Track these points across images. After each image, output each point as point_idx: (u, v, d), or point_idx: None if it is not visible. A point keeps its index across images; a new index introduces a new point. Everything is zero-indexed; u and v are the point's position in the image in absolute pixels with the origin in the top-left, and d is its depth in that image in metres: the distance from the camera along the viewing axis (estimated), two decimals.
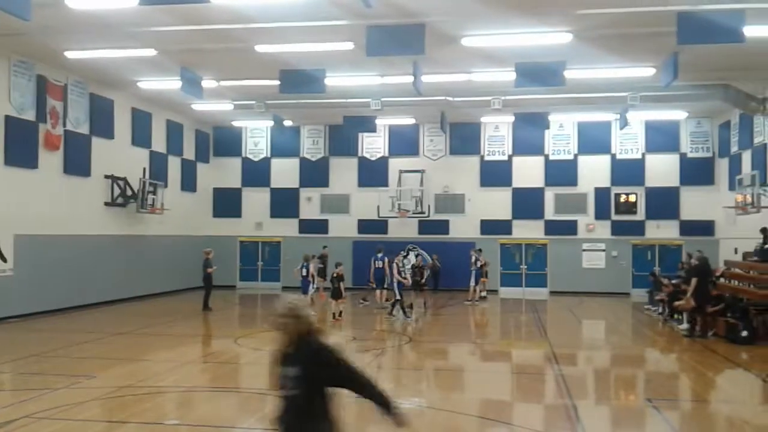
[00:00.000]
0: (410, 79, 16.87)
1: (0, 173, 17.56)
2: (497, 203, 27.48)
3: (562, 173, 27.09)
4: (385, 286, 20.92)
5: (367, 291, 22.74)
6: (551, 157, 27.30)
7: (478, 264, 23.13)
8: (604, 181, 26.92)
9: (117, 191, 22.47)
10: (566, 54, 16.16)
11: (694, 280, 15.89)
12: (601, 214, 26.88)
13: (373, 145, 28.58)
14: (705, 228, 25.82)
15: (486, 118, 26.59)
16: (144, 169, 23.88)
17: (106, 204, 22.10)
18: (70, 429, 8.16)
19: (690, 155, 26.35)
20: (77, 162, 20.57)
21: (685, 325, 17.17)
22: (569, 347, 15.12)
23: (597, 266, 26.86)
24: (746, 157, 22.44)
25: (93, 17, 14.45)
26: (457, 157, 27.93)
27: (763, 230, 18.42)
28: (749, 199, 20.31)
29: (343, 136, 27.78)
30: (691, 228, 26.02)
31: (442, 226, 27.80)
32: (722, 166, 25.27)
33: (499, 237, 27.31)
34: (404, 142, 28.33)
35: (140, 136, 24.15)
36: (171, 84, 19.91)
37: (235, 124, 28.74)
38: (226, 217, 29.55)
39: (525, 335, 17.54)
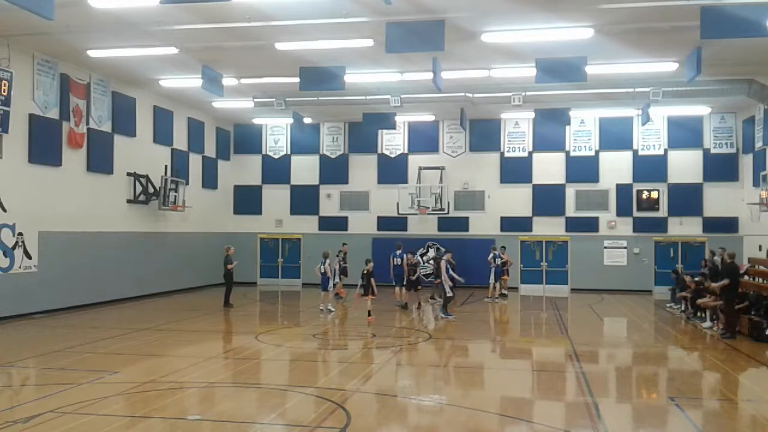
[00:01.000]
0: (430, 75, 16.86)
1: (24, 171, 17.80)
2: (517, 200, 27.35)
3: (583, 169, 26.88)
4: (404, 283, 20.91)
5: (435, 289, 22.73)
6: (572, 154, 27.10)
7: (498, 261, 23.03)
8: (626, 178, 26.68)
9: (139, 189, 22.67)
10: (587, 49, 16.03)
11: (726, 281, 15.64)
12: (623, 210, 26.64)
13: (393, 141, 28.56)
14: (728, 225, 25.50)
15: (506, 115, 26.46)
16: (166, 166, 24.08)
17: (129, 201, 22.32)
18: (93, 424, 8.25)
19: (713, 151, 26.02)
20: (100, 160, 20.79)
21: (708, 323, 17.01)
22: (590, 345, 15.02)
23: (618, 263, 26.64)
24: None
25: (115, 16, 14.59)
26: (477, 153, 27.82)
27: None
28: None
29: (362, 133, 27.79)
30: (715, 225, 25.71)
31: (462, 223, 27.73)
32: (746, 162, 24.93)
33: (519, 234, 27.17)
34: (424, 139, 28.27)
35: (162, 133, 24.34)
36: (192, 82, 20.05)
37: (256, 121, 28.87)
38: (246, 214, 29.72)
39: (545, 332, 17.45)
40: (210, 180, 28.12)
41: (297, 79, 17.39)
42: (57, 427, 8.04)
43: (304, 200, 29.24)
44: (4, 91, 16.22)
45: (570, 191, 27.09)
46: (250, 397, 10.02)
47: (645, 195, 26.43)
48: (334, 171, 29.08)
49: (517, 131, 27.48)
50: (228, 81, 19.66)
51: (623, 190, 26.66)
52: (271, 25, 15.00)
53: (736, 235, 25.14)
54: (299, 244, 29.28)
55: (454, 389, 10.91)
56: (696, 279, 19.47)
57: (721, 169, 25.83)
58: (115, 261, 21.37)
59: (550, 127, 25.82)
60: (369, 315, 17.94)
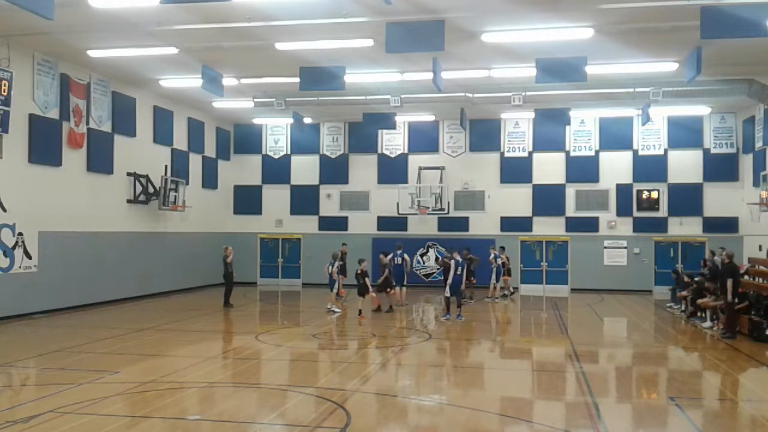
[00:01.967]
0: (430, 75, 16.86)
1: (24, 171, 17.80)
2: (517, 200, 27.35)
3: (583, 169, 26.89)
4: (404, 283, 20.95)
5: (473, 289, 22.64)
6: (572, 154, 27.10)
7: (498, 261, 23.02)
8: (626, 178, 26.68)
9: (139, 189, 22.68)
10: (587, 49, 16.03)
11: (730, 281, 15.62)
12: (623, 210, 26.65)
13: (393, 141, 28.56)
14: (729, 225, 25.50)
15: (506, 115, 26.46)
16: (166, 166, 24.08)
17: (129, 201, 22.32)
18: (93, 423, 8.25)
19: (713, 151, 26.02)
20: (100, 160, 20.79)
21: (708, 323, 17.01)
22: (590, 345, 15.04)
23: (618, 263, 26.64)
24: None
25: (115, 16, 14.59)
26: (477, 153, 27.82)
27: None
28: None
29: (362, 133, 27.81)
30: (715, 225, 25.71)
31: (462, 223, 27.73)
32: (746, 162, 24.93)
33: (519, 234, 27.17)
34: (424, 139, 28.28)
35: (162, 133, 24.35)
36: (192, 82, 20.05)
37: (256, 121, 28.87)
38: (246, 214, 29.73)
39: (545, 332, 17.45)
40: (210, 180, 28.12)
41: (297, 79, 17.38)
42: (57, 427, 8.05)
43: (304, 200, 29.25)
44: (4, 91, 16.22)
45: (570, 191, 27.09)
46: (250, 397, 10.03)
47: (645, 195, 26.43)
48: (334, 171, 29.08)
49: (517, 131, 27.48)
50: (228, 81, 19.66)
51: (623, 190, 26.66)
52: (271, 25, 15.00)
53: (736, 235, 25.14)
54: (299, 244, 29.28)
55: (454, 389, 10.90)
56: (696, 279, 19.46)
57: (721, 169, 25.82)
58: (115, 261, 21.37)
59: (550, 127, 25.84)
60: (359, 314, 18.18)
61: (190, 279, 25.99)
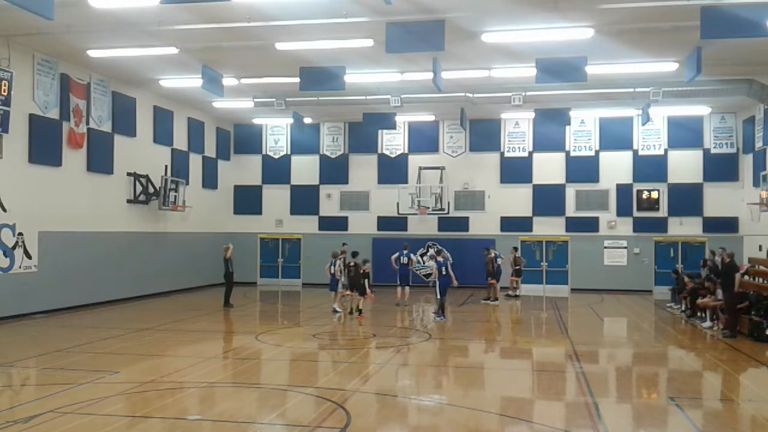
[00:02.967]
0: (430, 75, 16.87)
1: (24, 171, 17.80)
2: (517, 200, 27.35)
3: (583, 169, 26.89)
4: (409, 282, 20.99)
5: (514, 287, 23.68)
6: (572, 154, 27.10)
7: (498, 261, 22.99)
8: (626, 178, 26.68)
9: (139, 189, 22.67)
10: (587, 49, 16.03)
11: (737, 275, 15.69)
12: (623, 210, 26.64)
13: (393, 142, 28.57)
14: (729, 225, 25.50)
15: (506, 115, 26.46)
16: (166, 166, 24.08)
17: (129, 201, 22.32)
18: (94, 424, 8.25)
19: (714, 151, 26.02)
20: (100, 160, 20.79)
21: (708, 323, 17.01)
22: (590, 345, 15.03)
23: (619, 263, 26.64)
24: None
25: (115, 16, 14.60)
26: (477, 153, 27.82)
27: None
28: None
29: (362, 133, 27.81)
30: (715, 225, 25.70)
31: (462, 223, 27.73)
32: (746, 162, 24.93)
33: (519, 234, 27.16)
34: (424, 139, 28.28)
35: (162, 133, 24.35)
36: (192, 82, 20.05)
37: (256, 121, 28.87)
38: (246, 214, 29.73)
39: (545, 332, 17.44)
40: (210, 180, 28.12)
41: (297, 79, 17.39)
42: (57, 427, 8.04)
43: (304, 200, 29.25)
44: (4, 91, 16.22)
45: (570, 191, 27.09)
46: (250, 397, 10.03)
47: (645, 195, 26.43)
48: (334, 171, 29.09)
49: (517, 131, 27.48)
50: (228, 81, 19.66)
51: (623, 190, 26.66)
52: (271, 25, 15.00)
53: (736, 235, 25.13)
54: (299, 244, 29.28)
55: (454, 389, 10.90)
56: (695, 280, 19.43)
57: (721, 169, 25.82)
58: (115, 261, 21.36)
59: (550, 127, 25.84)
60: (360, 314, 18.27)
61: (190, 279, 25.99)
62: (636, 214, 26.55)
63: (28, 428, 8.01)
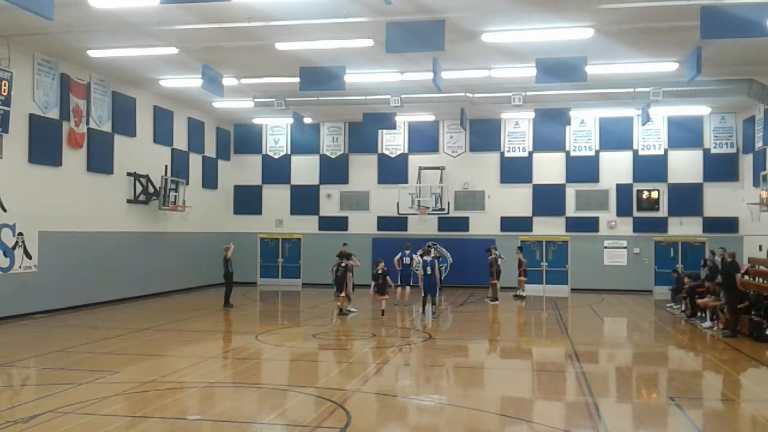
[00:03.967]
0: (430, 75, 16.87)
1: (24, 171, 17.80)
2: (517, 200, 27.35)
3: (583, 169, 26.88)
4: (410, 283, 21.02)
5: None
6: (572, 154, 27.10)
7: (499, 261, 22.98)
8: (626, 178, 26.67)
9: (139, 189, 22.67)
10: (587, 49, 16.04)
11: (738, 276, 15.70)
12: (623, 210, 26.64)
13: (393, 142, 28.57)
14: (729, 225, 25.49)
15: (506, 115, 26.46)
16: (166, 166, 24.08)
17: (129, 201, 22.32)
18: (93, 424, 8.25)
19: (714, 151, 26.01)
20: (100, 160, 20.79)
21: (708, 323, 17.01)
22: (590, 345, 15.03)
23: (619, 263, 26.63)
24: None
25: (115, 16, 14.59)
26: (477, 153, 27.82)
27: None
28: None
29: (362, 133, 27.81)
30: (715, 225, 25.70)
31: (462, 223, 27.73)
32: (746, 162, 24.93)
33: (519, 234, 27.15)
34: (424, 139, 28.28)
35: (162, 133, 24.34)
36: (192, 82, 20.04)
37: (256, 121, 28.87)
38: (246, 214, 29.72)
39: (545, 332, 17.45)
40: (210, 180, 28.12)
41: (297, 79, 17.39)
42: (57, 427, 8.04)
43: (304, 200, 29.25)
44: (4, 91, 16.21)
45: (570, 191, 27.08)
46: (250, 397, 10.02)
47: (645, 195, 26.42)
48: (334, 171, 29.08)
49: (517, 131, 27.48)
50: (228, 81, 19.66)
51: (623, 190, 26.65)
52: (271, 25, 15.00)
53: (736, 235, 25.13)
54: (299, 244, 29.28)
55: (454, 389, 10.90)
56: (695, 281, 19.41)
57: (721, 169, 25.81)
58: (115, 261, 21.36)
59: (550, 127, 25.83)
60: (382, 315, 18.24)
61: (190, 279, 25.99)
62: (636, 214, 26.55)
63: (28, 428, 8.01)
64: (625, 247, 26.63)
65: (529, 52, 16.60)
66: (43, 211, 18.32)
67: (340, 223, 28.66)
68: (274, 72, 19.50)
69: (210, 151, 28.10)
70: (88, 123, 20.21)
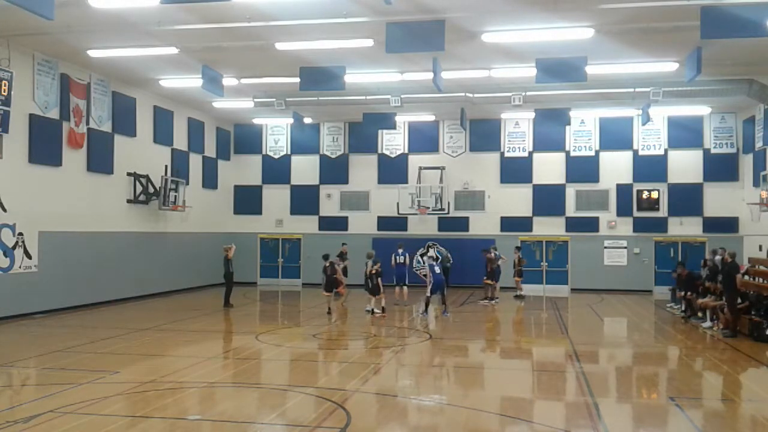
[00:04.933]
0: (430, 75, 16.86)
1: (24, 171, 17.80)
2: (517, 200, 27.35)
3: (583, 169, 26.88)
4: (405, 282, 21.01)
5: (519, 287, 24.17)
6: (572, 154, 27.10)
7: (499, 261, 22.98)
8: (626, 178, 26.68)
9: (139, 189, 22.67)
10: (588, 49, 16.03)
11: (738, 276, 15.71)
12: (623, 210, 26.64)
13: (393, 142, 28.57)
14: (729, 225, 25.49)
15: (506, 115, 26.46)
16: (166, 166, 24.08)
17: (129, 201, 22.32)
18: (94, 424, 8.25)
19: (714, 151, 26.01)
20: (100, 160, 20.79)
21: (708, 323, 17.01)
22: (590, 345, 15.03)
23: (619, 263, 26.64)
24: None
25: (115, 16, 14.60)
26: (477, 153, 27.82)
27: None
28: None
29: (362, 133, 27.81)
30: (715, 225, 25.70)
31: (462, 223, 27.73)
32: (746, 162, 24.93)
33: (519, 234, 27.16)
34: (424, 139, 28.28)
35: (162, 133, 24.34)
36: (192, 82, 20.05)
37: (256, 121, 28.87)
38: (246, 214, 29.73)
39: (545, 332, 17.45)
40: (210, 180, 28.12)
41: (297, 79, 17.39)
42: (57, 427, 8.04)
43: (304, 200, 29.25)
44: (4, 91, 16.21)
45: (570, 191, 27.08)
46: (250, 397, 10.02)
47: (645, 195, 26.42)
48: (334, 171, 29.08)
49: (517, 131, 27.48)
50: (228, 81, 19.65)
51: (623, 190, 26.65)
52: (271, 25, 15.00)
53: (736, 235, 25.13)
54: (299, 244, 29.28)
55: (454, 389, 10.91)
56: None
57: (721, 169, 25.81)
58: (115, 261, 21.36)
59: (550, 127, 25.83)
60: (383, 312, 18.45)
61: (190, 279, 25.99)
62: (636, 214, 26.55)
63: (28, 428, 8.01)
64: (625, 247, 26.63)
65: (529, 52, 16.60)
66: (43, 211, 18.32)
67: (340, 223, 28.66)
68: (274, 72, 19.50)
69: (210, 151, 28.10)
70: (88, 123, 20.21)
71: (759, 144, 23.14)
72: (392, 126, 23.96)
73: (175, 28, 15.38)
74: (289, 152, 29.65)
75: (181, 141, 25.69)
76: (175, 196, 24.02)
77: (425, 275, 20.10)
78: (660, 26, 14.89)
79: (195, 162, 26.77)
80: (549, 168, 27.19)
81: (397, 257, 20.99)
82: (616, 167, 26.72)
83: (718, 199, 25.78)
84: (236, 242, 22.96)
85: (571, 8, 14.00)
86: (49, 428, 8.02)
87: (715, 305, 16.72)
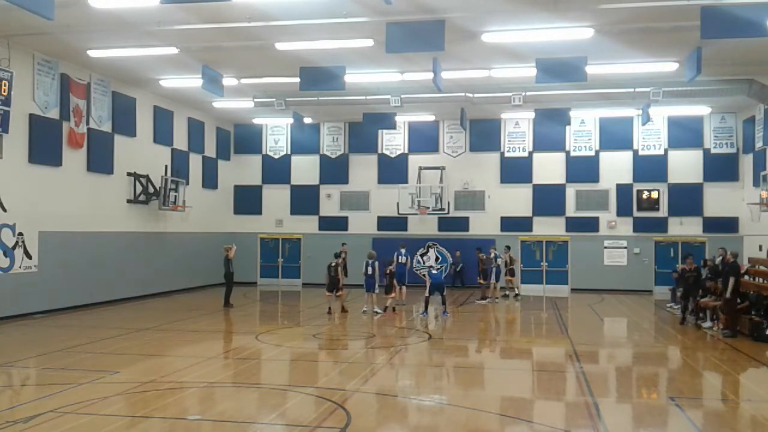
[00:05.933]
0: (430, 75, 16.86)
1: (24, 171, 17.80)
2: (517, 200, 27.35)
3: (583, 169, 26.88)
4: (405, 282, 21.03)
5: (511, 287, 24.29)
6: (572, 154, 27.10)
7: (498, 261, 23.00)
8: (626, 178, 26.68)
9: (139, 189, 22.67)
10: (587, 49, 16.04)
11: (732, 279, 15.68)
12: (623, 210, 26.64)
13: (393, 141, 28.57)
14: (729, 225, 25.49)
15: (506, 115, 26.46)
16: (166, 166, 24.08)
17: (129, 201, 22.32)
18: (94, 424, 8.25)
19: (714, 151, 26.01)
20: (100, 160, 20.79)
21: (708, 323, 17.01)
22: (590, 345, 15.02)
23: (619, 263, 26.64)
24: None
25: (115, 16, 14.60)
26: (477, 153, 27.82)
27: None
28: None
29: (362, 133, 27.81)
30: (715, 225, 25.70)
31: (462, 223, 27.73)
32: (746, 162, 24.93)
33: (519, 234, 27.16)
34: (424, 139, 28.28)
35: (162, 133, 24.34)
36: (192, 82, 20.05)
37: (256, 121, 28.88)
38: (246, 214, 29.73)
39: (545, 332, 17.44)
40: (210, 180, 28.12)
41: (297, 79, 17.39)
42: (57, 427, 8.05)
43: (304, 200, 29.25)
44: (4, 91, 16.21)
45: (570, 191, 27.08)
46: (250, 397, 10.02)
47: (645, 195, 26.43)
48: (334, 171, 29.09)
49: (517, 131, 27.48)
50: (228, 81, 19.65)
51: (623, 190, 26.65)
52: (271, 25, 15.00)
53: (736, 235, 25.13)
54: (299, 244, 29.28)
55: (454, 389, 10.91)
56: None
57: (721, 169, 25.82)
58: (115, 261, 21.37)
59: (550, 127, 25.82)
60: (394, 311, 18.86)
61: (190, 279, 25.99)
62: (636, 214, 26.55)
63: (28, 428, 8.01)
64: (625, 247, 26.63)
65: (529, 52, 16.60)
66: (43, 211, 18.32)
67: (340, 223, 28.66)
68: (274, 72, 19.50)
69: (210, 151, 28.10)
70: (88, 123, 20.21)
71: (759, 144, 23.14)
72: (392, 126, 23.96)
73: (175, 28, 15.38)
74: (289, 152, 29.65)
75: (181, 141, 25.69)
76: (175, 196, 24.02)
77: (425, 275, 20.14)
78: (660, 26, 14.89)
79: (195, 162, 26.77)
80: (549, 168, 27.19)
81: (399, 257, 21.02)
82: (616, 167, 26.72)
83: (718, 199, 25.78)
84: (236, 242, 22.97)
85: (571, 8, 14.00)
86: (49, 428, 8.02)
87: (715, 305, 16.71)
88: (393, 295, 19.57)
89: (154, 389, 10.07)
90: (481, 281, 23.03)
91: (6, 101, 16.30)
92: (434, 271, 19.41)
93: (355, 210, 28.79)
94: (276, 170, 29.65)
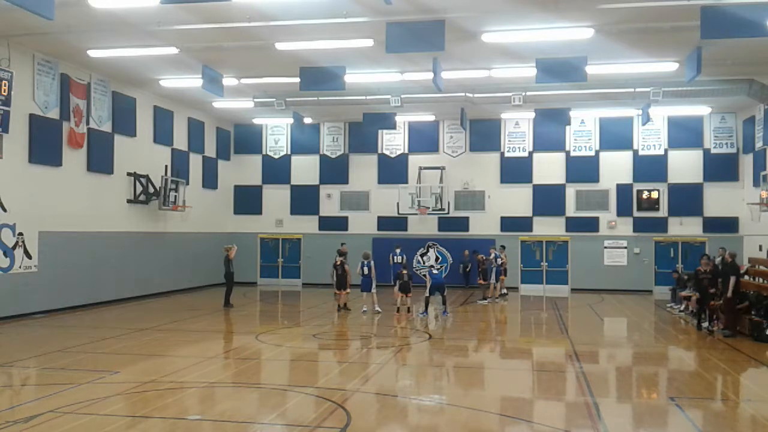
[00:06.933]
0: (430, 75, 16.87)
1: (25, 171, 17.80)
2: (517, 200, 27.35)
3: (583, 169, 26.88)
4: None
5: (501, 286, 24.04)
6: (572, 154, 27.10)
7: (498, 261, 23.00)
8: (626, 178, 26.68)
9: (139, 189, 22.67)
10: (587, 49, 16.04)
11: (732, 279, 15.69)
12: (623, 210, 26.64)
13: (393, 141, 28.57)
14: (729, 225, 25.49)
15: (506, 115, 26.46)
16: (166, 166, 24.08)
17: (129, 201, 22.32)
18: (93, 424, 8.25)
19: (714, 151, 26.01)
20: (100, 160, 20.79)
21: (706, 323, 16.99)
22: (590, 345, 15.03)
23: (619, 263, 26.64)
24: None
25: (115, 16, 14.60)
26: (477, 153, 27.82)
27: None
28: None
29: (362, 133, 27.81)
30: (715, 225, 25.70)
31: (462, 223, 27.73)
32: (746, 162, 24.93)
33: (519, 234, 27.17)
34: (424, 139, 28.28)
35: (162, 133, 24.34)
36: (192, 82, 20.06)
37: (256, 121, 28.87)
38: (246, 214, 29.73)
39: (545, 332, 17.44)
40: (210, 180, 28.12)
41: (297, 79, 17.40)
42: (57, 427, 8.05)
43: (304, 200, 29.25)
44: (4, 91, 16.22)
45: (570, 191, 27.08)
46: (250, 397, 10.02)
47: (645, 195, 26.42)
48: (334, 171, 29.08)
49: (517, 131, 27.48)
50: (228, 81, 19.66)
51: (623, 190, 26.65)
52: (271, 25, 15.00)
53: (736, 235, 25.13)
54: (299, 244, 29.28)
55: (454, 389, 10.90)
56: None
57: (721, 169, 25.81)
58: (115, 261, 21.37)
59: (550, 127, 25.86)
60: (408, 311, 18.96)
61: (190, 279, 25.99)
62: (636, 214, 26.55)
63: (28, 428, 8.01)
64: (625, 247, 26.63)
65: (529, 52, 16.61)
66: (43, 211, 18.32)
67: (340, 223, 28.66)
68: (274, 72, 19.50)
69: (210, 151, 28.10)
70: (88, 123, 20.21)
71: (759, 144, 23.14)
72: (392, 126, 23.97)
73: (175, 28, 15.38)
74: (289, 152, 29.65)
75: (181, 141, 25.69)
76: (175, 196, 24.02)
77: (425, 275, 20.16)
78: (660, 26, 14.88)
79: (195, 162, 26.77)
80: (549, 168, 27.18)
81: (395, 257, 21.00)
82: (616, 167, 26.72)
83: (718, 199, 25.78)
84: (236, 242, 22.96)
85: (571, 8, 14.00)
86: (49, 428, 8.02)
87: (715, 305, 16.70)
88: (409, 295, 19.28)
89: (154, 389, 10.07)
90: (481, 281, 23.09)
91: (6, 101, 16.30)
92: (435, 271, 19.46)
93: (355, 210, 28.79)
94: (276, 170, 29.65)
